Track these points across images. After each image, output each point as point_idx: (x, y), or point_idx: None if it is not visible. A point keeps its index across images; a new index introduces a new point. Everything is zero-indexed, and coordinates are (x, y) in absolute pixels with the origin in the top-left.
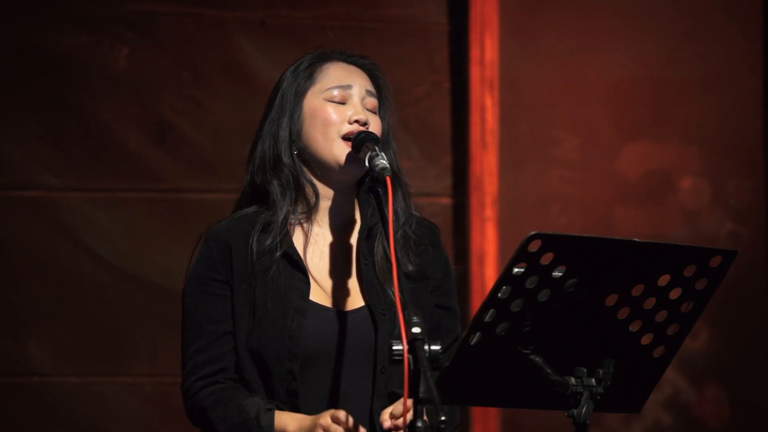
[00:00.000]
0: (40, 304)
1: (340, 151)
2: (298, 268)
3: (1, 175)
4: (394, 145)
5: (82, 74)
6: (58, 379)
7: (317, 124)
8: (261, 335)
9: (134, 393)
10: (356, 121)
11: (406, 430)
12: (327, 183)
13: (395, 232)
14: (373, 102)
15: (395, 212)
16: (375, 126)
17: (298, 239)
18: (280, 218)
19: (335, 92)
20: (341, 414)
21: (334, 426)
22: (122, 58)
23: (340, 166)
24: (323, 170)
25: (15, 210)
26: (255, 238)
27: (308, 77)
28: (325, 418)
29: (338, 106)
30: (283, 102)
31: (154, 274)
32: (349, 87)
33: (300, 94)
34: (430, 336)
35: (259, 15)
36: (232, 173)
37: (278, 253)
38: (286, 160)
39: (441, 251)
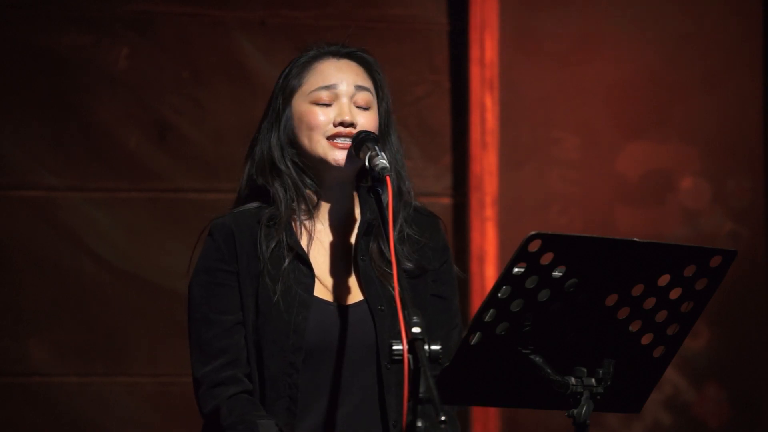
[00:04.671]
0: (40, 304)
1: (326, 152)
2: (303, 262)
3: (1, 175)
4: (393, 138)
5: (82, 74)
6: (58, 379)
7: (303, 128)
8: (265, 328)
9: (134, 393)
10: (341, 123)
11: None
12: (324, 182)
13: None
14: (364, 96)
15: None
16: (366, 123)
17: (301, 235)
18: (284, 215)
19: (321, 94)
20: None
21: None
22: (122, 58)
23: (330, 166)
24: (317, 171)
25: (15, 210)
26: (262, 234)
27: (296, 78)
28: None
29: (325, 108)
30: (275, 106)
31: (154, 274)
32: (334, 87)
33: (288, 98)
34: (430, 335)
35: (259, 15)
36: (232, 173)
37: (286, 251)
38: (282, 167)
39: (440, 242)
